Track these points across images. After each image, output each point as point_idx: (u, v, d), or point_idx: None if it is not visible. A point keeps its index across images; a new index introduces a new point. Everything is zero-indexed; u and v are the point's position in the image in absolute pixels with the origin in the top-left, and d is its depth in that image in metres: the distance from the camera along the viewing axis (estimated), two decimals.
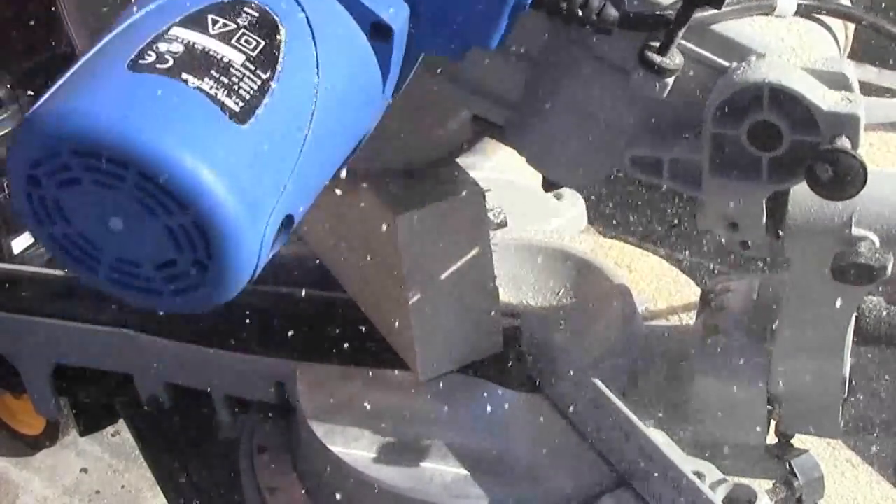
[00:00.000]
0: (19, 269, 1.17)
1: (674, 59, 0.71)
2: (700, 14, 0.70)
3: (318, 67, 0.64)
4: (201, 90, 0.60)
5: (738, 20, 0.72)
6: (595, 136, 0.78)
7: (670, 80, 0.71)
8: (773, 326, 0.86)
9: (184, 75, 0.60)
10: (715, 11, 0.70)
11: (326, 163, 0.68)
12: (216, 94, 0.61)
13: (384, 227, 0.88)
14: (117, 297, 0.67)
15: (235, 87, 0.61)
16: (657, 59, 0.70)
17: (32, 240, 2.48)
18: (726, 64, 0.72)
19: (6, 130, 2.42)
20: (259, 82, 0.62)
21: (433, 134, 0.92)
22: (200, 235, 0.62)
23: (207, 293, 0.65)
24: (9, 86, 2.43)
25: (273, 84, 0.62)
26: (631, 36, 0.72)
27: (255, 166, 0.62)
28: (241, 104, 0.61)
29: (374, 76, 0.67)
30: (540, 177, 1.42)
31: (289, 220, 0.65)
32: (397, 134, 0.77)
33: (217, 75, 0.61)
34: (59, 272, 1.17)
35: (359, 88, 0.67)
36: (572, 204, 1.30)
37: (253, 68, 0.62)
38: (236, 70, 0.62)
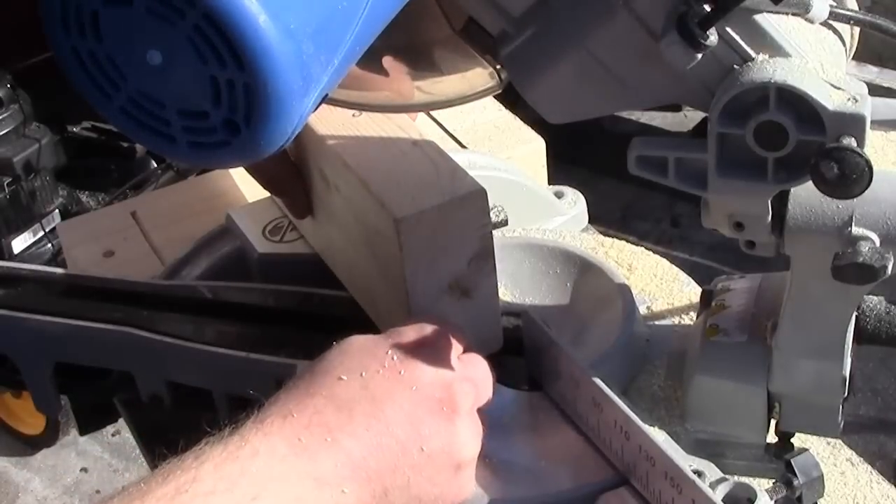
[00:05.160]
0: (19, 268, 1.17)
1: (710, 36, 0.70)
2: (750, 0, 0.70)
3: None
4: None
5: (775, 16, 0.72)
6: (590, 77, 0.77)
7: (699, 56, 0.70)
8: (773, 326, 0.86)
9: None
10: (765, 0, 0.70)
11: (367, 42, 0.65)
12: None
13: (386, 227, 0.88)
14: (125, 132, 0.64)
15: None
16: (697, 31, 0.70)
17: (32, 240, 2.49)
18: (754, 55, 0.72)
19: (6, 130, 2.42)
20: None
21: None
22: (247, 97, 0.58)
23: (227, 155, 0.62)
24: (9, 86, 2.44)
25: None
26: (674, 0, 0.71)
27: (317, 38, 0.59)
28: None
29: None
30: (541, 178, 1.43)
31: (324, 99, 0.63)
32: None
33: None
34: (59, 270, 1.17)
35: None
36: (573, 203, 1.30)
37: None
38: None
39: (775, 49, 0.72)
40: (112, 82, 0.61)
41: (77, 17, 0.59)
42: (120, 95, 0.62)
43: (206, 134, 0.62)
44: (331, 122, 0.97)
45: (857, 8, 0.78)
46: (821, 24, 0.75)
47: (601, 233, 1.27)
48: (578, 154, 2.87)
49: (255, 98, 0.58)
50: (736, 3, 0.69)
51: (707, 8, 0.70)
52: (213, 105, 0.60)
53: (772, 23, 0.72)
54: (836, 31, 0.77)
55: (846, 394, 0.86)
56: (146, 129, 0.63)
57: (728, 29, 0.72)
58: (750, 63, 0.72)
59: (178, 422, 1.13)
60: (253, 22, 0.56)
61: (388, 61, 0.90)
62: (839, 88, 0.71)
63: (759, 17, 0.72)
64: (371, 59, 0.81)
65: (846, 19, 0.76)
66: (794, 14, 0.73)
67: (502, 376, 0.95)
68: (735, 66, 0.72)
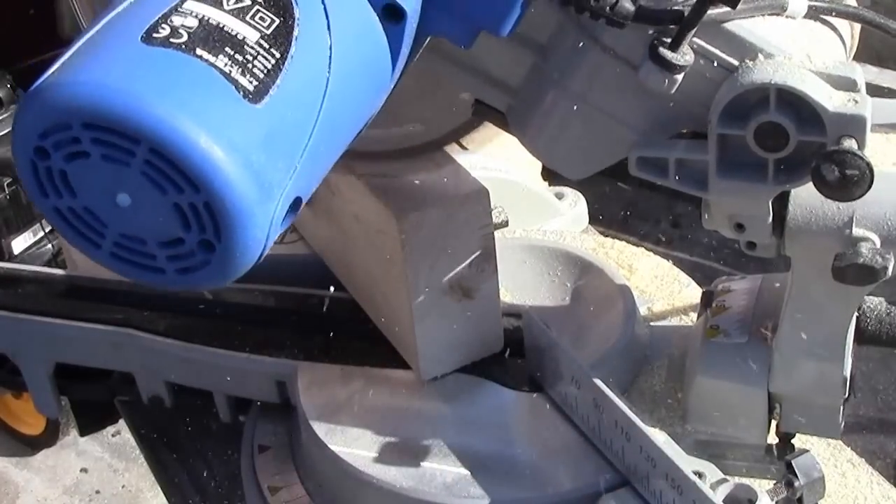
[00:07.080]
0: (20, 269, 1.17)
1: (684, 56, 0.70)
2: (714, 11, 0.70)
3: (330, 48, 0.63)
4: (216, 67, 0.59)
5: (750, 19, 0.72)
6: (596, 127, 0.77)
7: (679, 77, 0.71)
8: (774, 327, 0.86)
9: (198, 51, 0.59)
10: (728, 9, 0.70)
11: (336, 144, 0.67)
12: (230, 71, 0.60)
13: (388, 228, 0.88)
14: (119, 273, 0.66)
15: (249, 66, 0.60)
16: (668, 54, 0.70)
17: (32, 240, 2.49)
18: (736, 63, 0.72)
19: (6, 130, 2.43)
20: (273, 61, 0.61)
21: (429, 113, 0.92)
22: (210, 215, 0.61)
23: (212, 273, 0.64)
24: (9, 86, 2.44)
25: (286, 64, 0.61)
26: (642, 29, 0.71)
27: (268, 147, 0.61)
28: (254, 83, 0.60)
29: (384, 58, 0.67)
30: (541, 178, 1.43)
31: (297, 201, 0.64)
32: (396, 110, 0.75)
33: (231, 52, 0.60)
34: (59, 271, 1.17)
35: (369, 70, 0.66)
36: (573, 204, 1.30)
37: (267, 46, 0.61)
38: (250, 48, 0.61)
39: (756, 51, 0.72)
40: (96, 231, 0.65)
41: (50, 180, 0.62)
42: (106, 242, 0.65)
43: (187, 258, 0.64)
44: None
45: (855, 4, 0.78)
46: (814, 20, 0.75)
47: (601, 234, 1.27)
48: None
49: (218, 214, 0.61)
50: (695, 19, 0.69)
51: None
52: (184, 230, 0.62)
53: (745, 27, 0.72)
54: (833, 28, 0.77)
55: (847, 394, 0.86)
56: (138, 267, 0.66)
57: (703, 44, 0.72)
58: (750, 64, 0.72)
59: (178, 422, 1.13)
60: (194, 144, 0.58)
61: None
62: (829, 75, 0.70)
63: (729, 26, 0.72)
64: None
65: (828, 11, 0.76)
66: (771, 14, 0.73)
67: (503, 377, 0.96)
68: (721, 79, 0.72)
